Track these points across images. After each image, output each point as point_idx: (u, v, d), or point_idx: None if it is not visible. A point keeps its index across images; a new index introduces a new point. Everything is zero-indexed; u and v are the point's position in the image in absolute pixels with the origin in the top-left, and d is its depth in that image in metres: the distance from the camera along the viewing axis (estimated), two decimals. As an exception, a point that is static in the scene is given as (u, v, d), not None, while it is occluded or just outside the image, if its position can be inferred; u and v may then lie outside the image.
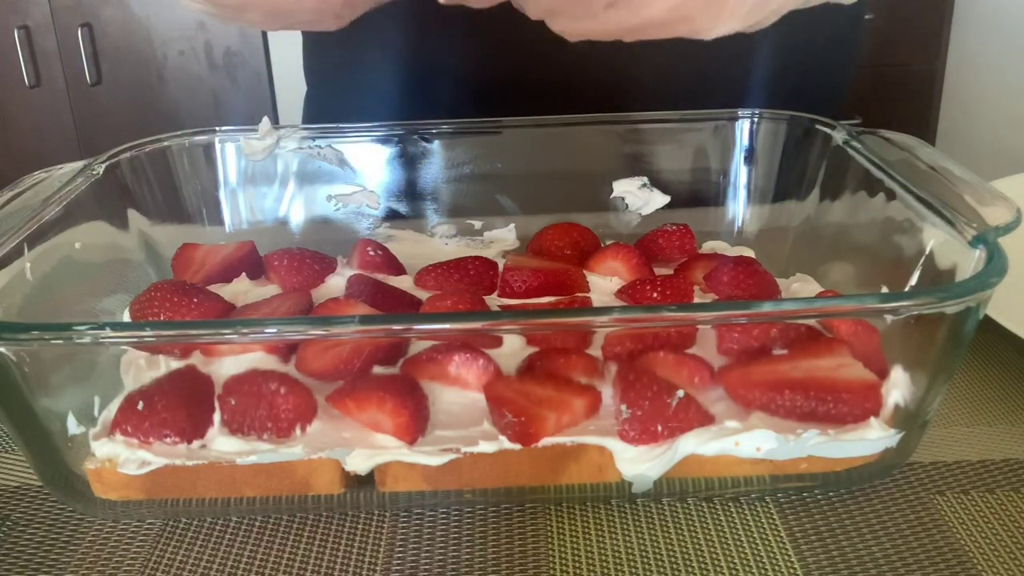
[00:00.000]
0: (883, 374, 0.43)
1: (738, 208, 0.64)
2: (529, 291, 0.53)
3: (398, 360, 0.45)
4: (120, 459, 0.42)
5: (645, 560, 0.41)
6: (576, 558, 0.41)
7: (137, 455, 0.41)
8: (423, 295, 0.53)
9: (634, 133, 0.64)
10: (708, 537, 0.42)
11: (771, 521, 0.43)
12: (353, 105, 0.80)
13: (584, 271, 0.55)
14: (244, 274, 0.56)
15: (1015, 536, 0.41)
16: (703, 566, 0.40)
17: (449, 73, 0.75)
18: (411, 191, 0.64)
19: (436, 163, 0.63)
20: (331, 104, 0.84)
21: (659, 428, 0.41)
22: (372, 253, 0.56)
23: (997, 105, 1.92)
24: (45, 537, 0.43)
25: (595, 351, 0.45)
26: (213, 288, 0.53)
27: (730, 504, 0.44)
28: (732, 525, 0.42)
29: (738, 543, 0.41)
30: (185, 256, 0.57)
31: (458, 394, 0.44)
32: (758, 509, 0.43)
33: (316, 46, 0.85)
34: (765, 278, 0.54)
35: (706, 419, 0.42)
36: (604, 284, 0.55)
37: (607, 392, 0.43)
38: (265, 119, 0.62)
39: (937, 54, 2.04)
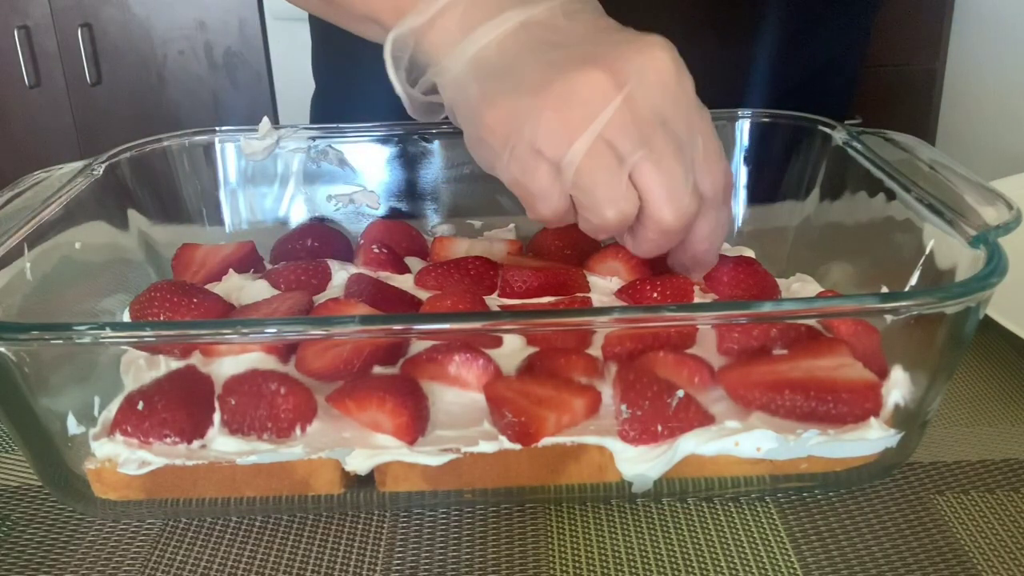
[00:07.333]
0: (883, 374, 0.43)
1: (738, 208, 0.64)
2: (529, 291, 0.53)
3: (398, 360, 0.45)
4: (120, 459, 0.42)
5: (645, 560, 0.41)
6: (576, 558, 0.41)
7: (137, 455, 0.41)
8: (423, 295, 0.53)
9: None
10: (708, 537, 0.42)
11: (771, 521, 0.43)
12: (361, 105, 0.79)
13: (584, 271, 0.55)
14: (231, 270, 0.56)
15: (1015, 536, 0.41)
16: (703, 566, 0.40)
17: None
18: (411, 191, 0.64)
19: (436, 163, 0.63)
20: (339, 104, 0.84)
21: (659, 428, 0.41)
22: (377, 250, 0.57)
23: (997, 105, 1.92)
24: (45, 537, 0.43)
25: (595, 351, 0.45)
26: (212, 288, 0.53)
27: (730, 504, 0.44)
28: (732, 525, 0.42)
29: (738, 543, 0.41)
30: (185, 256, 0.57)
31: (458, 394, 0.44)
32: (758, 509, 0.43)
33: (324, 46, 0.85)
34: (765, 278, 0.54)
35: (706, 419, 0.42)
36: (604, 284, 0.55)
37: (607, 392, 0.43)
38: (265, 119, 0.62)
39: (937, 54, 2.04)
